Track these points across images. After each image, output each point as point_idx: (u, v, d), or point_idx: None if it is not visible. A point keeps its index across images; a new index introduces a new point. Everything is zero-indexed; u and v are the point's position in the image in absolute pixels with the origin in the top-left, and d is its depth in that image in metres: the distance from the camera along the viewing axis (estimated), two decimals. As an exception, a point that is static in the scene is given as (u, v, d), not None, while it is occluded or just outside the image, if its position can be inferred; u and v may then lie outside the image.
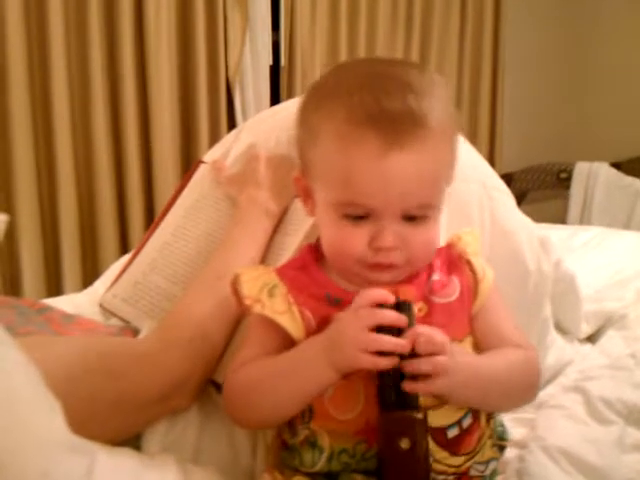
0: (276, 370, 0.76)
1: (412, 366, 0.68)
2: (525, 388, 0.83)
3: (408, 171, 0.70)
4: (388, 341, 0.67)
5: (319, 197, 0.77)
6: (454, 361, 0.70)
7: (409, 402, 0.69)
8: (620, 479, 0.88)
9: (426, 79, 0.74)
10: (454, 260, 0.83)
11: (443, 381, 0.69)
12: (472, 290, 0.81)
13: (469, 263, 0.83)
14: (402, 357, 0.68)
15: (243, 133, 1.26)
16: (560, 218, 3.10)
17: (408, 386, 0.68)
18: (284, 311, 0.77)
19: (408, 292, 0.73)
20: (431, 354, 0.68)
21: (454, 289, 0.80)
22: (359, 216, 0.73)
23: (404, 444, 0.68)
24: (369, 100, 0.69)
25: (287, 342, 0.77)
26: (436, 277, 0.80)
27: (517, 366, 0.80)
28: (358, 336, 0.68)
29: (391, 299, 0.70)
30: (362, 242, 0.73)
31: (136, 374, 0.83)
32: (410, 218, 0.73)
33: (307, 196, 0.81)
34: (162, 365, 0.85)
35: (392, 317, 0.69)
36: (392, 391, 0.69)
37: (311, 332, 0.75)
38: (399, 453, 0.68)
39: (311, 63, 2.87)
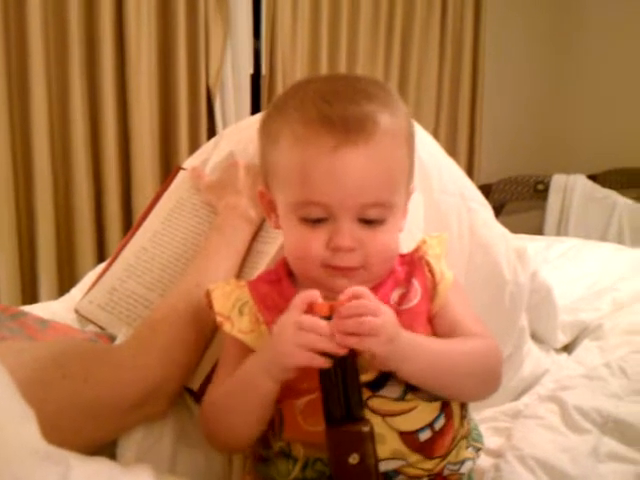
0: (227, 390, 0.77)
1: (338, 324, 0.67)
2: (484, 373, 0.81)
3: (358, 167, 0.72)
4: (327, 342, 0.67)
5: (280, 203, 0.79)
6: (395, 330, 0.70)
7: (355, 415, 0.68)
8: (595, 488, 0.89)
9: (381, 89, 0.77)
10: (415, 262, 0.83)
11: (376, 341, 0.68)
12: (430, 292, 0.82)
13: (428, 264, 0.83)
14: (343, 368, 0.68)
15: (223, 141, 1.26)
16: (537, 229, 3.13)
17: (341, 339, 0.67)
18: (251, 330, 0.79)
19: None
20: (360, 315, 0.67)
21: (415, 293, 0.80)
22: (317, 219, 0.74)
23: (353, 459, 0.67)
24: (322, 103, 0.73)
25: None
26: (400, 291, 0.80)
27: (475, 349, 0.79)
28: (295, 333, 0.68)
29: (318, 298, 0.70)
30: (320, 243, 0.74)
31: (112, 380, 0.82)
32: (367, 222, 0.74)
33: (270, 209, 0.83)
34: (137, 371, 0.85)
35: (325, 328, 0.68)
36: (337, 405, 0.68)
37: None
38: (349, 468, 0.67)
39: (292, 72, 2.88)
